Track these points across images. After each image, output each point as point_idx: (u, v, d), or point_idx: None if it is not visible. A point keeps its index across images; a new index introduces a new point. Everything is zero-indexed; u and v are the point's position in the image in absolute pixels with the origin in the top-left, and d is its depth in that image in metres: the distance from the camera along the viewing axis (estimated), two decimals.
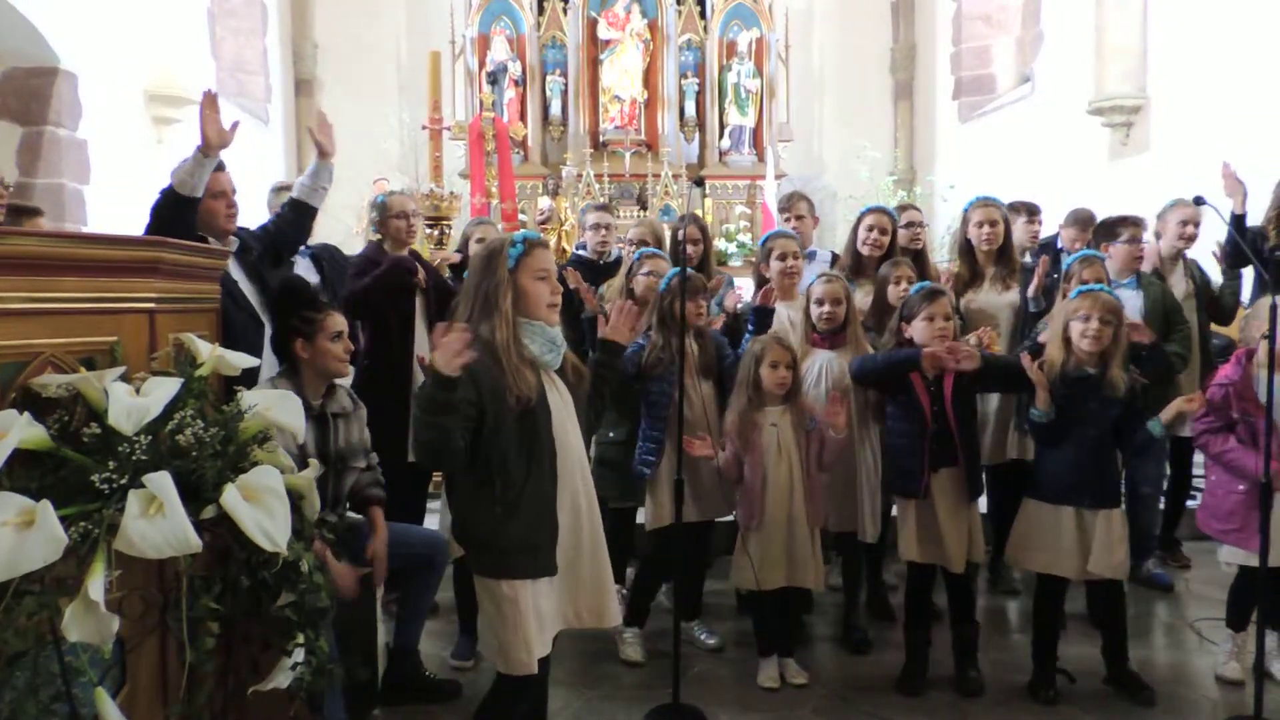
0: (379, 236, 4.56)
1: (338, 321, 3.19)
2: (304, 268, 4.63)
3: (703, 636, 3.99)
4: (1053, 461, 3.48)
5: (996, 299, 4.46)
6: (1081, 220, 5.59)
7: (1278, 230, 4.71)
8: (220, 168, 3.50)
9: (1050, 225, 5.76)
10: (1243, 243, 4.44)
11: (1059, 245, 5.65)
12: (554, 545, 2.51)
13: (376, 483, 3.36)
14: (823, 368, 3.91)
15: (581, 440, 2.68)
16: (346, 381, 3.42)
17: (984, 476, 3.92)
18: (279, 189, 4.88)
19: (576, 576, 2.58)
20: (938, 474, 3.52)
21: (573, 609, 2.60)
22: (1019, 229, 5.02)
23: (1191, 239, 4.79)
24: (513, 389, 2.41)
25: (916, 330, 3.55)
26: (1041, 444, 3.56)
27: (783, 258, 4.20)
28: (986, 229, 4.45)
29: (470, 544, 2.53)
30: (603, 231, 5.01)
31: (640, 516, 4.05)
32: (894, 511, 4.04)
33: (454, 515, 2.62)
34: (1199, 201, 3.71)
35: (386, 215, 4.45)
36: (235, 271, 3.49)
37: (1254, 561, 3.38)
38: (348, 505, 3.31)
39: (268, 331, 3.48)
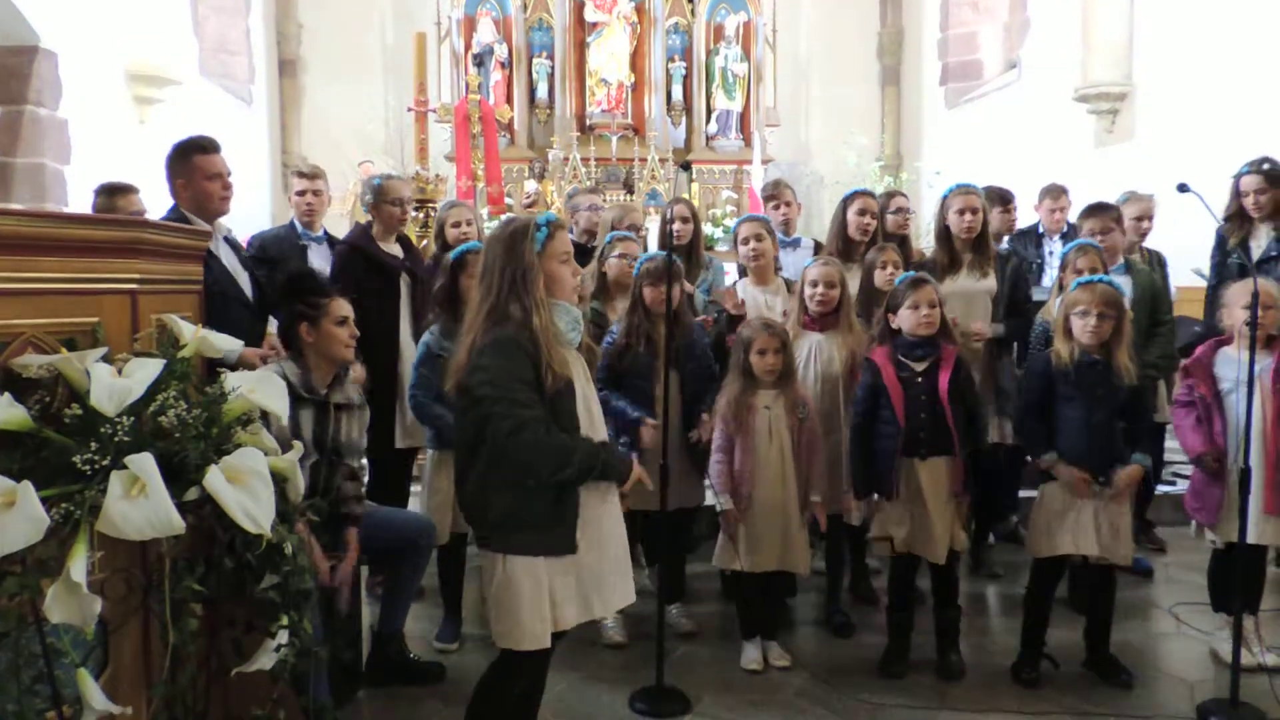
0: (369, 219, 4.54)
1: (342, 306, 3.18)
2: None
3: (679, 620, 3.99)
4: (1063, 446, 3.49)
5: (973, 285, 4.47)
6: (1053, 191, 5.62)
7: (1237, 227, 4.71)
8: (216, 149, 3.49)
9: (1029, 212, 5.78)
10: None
11: (1040, 230, 5.68)
12: (575, 524, 2.50)
13: (358, 498, 3.29)
14: (813, 350, 3.93)
15: (602, 418, 2.69)
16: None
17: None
18: (294, 174, 4.94)
19: (599, 558, 2.57)
20: (927, 462, 3.52)
21: (596, 596, 2.57)
22: (994, 218, 5.04)
23: (1145, 234, 4.81)
24: (552, 370, 2.42)
25: (903, 319, 3.56)
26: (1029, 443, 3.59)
27: (745, 241, 4.21)
28: (967, 216, 4.46)
29: (486, 522, 2.50)
30: (599, 212, 4.99)
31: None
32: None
33: (466, 494, 2.56)
34: (1182, 189, 3.72)
35: (382, 199, 4.41)
36: (229, 260, 3.52)
37: (1218, 537, 3.52)
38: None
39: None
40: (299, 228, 4.71)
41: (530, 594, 2.44)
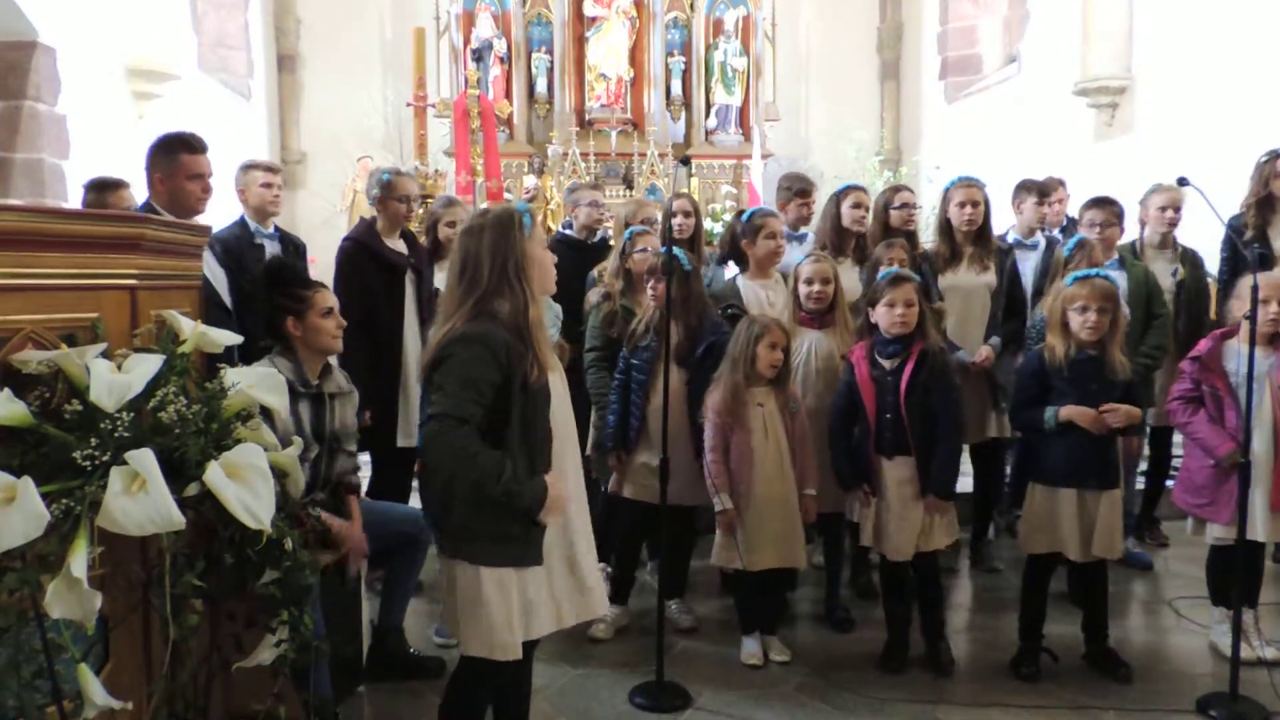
0: (373, 214, 4.50)
1: (327, 298, 3.18)
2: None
3: (679, 615, 3.99)
4: (1056, 445, 3.47)
5: (974, 279, 4.47)
6: (1036, 187, 5.60)
7: (1257, 216, 4.71)
8: (203, 149, 3.46)
9: None
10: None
11: None
12: (541, 536, 2.43)
13: (355, 469, 3.35)
14: (811, 348, 3.92)
15: (574, 424, 2.65)
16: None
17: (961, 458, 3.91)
18: (248, 167, 4.74)
19: (568, 568, 2.53)
20: (893, 461, 3.54)
21: (565, 605, 2.53)
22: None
23: (1173, 224, 4.80)
24: (538, 363, 2.35)
25: (879, 315, 3.56)
26: (1031, 432, 3.59)
27: (771, 237, 4.17)
28: (968, 209, 4.46)
29: (451, 531, 2.41)
30: (600, 209, 4.97)
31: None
32: None
33: (429, 494, 2.49)
34: (1182, 183, 3.72)
35: (389, 195, 4.37)
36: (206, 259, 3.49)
37: (1230, 536, 3.44)
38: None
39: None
40: (251, 225, 4.48)
41: (498, 604, 2.35)
